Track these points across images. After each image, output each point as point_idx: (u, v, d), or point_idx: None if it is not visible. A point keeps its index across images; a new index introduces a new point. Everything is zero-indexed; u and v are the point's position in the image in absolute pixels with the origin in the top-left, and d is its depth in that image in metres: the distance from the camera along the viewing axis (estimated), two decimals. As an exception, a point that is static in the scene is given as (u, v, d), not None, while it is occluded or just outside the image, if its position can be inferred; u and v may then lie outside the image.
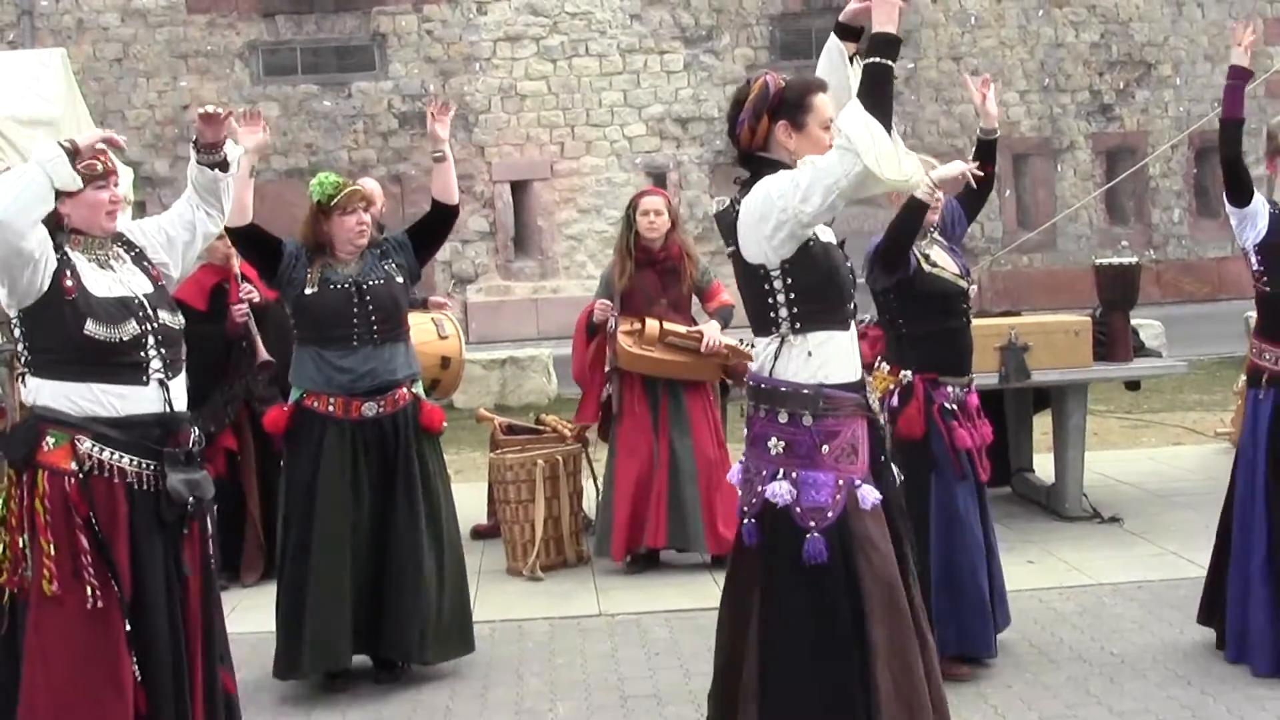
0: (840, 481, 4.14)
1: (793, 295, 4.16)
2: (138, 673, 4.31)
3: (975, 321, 8.62)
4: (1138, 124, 22.48)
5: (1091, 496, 8.55)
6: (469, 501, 8.98)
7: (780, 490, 4.14)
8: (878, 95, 3.97)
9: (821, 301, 4.18)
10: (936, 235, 6.01)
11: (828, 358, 4.18)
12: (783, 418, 4.18)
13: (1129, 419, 12.05)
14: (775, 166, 4.21)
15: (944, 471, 5.76)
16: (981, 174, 6.07)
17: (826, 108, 4.27)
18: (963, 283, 5.94)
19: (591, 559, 7.89)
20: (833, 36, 4.59)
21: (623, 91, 21.42)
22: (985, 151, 6.21)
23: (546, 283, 21.32)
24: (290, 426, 6.05)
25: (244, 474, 7.64)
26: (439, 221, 6.31)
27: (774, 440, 4.19)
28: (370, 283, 6.02)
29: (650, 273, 7.65)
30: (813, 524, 4.10)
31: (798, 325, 4.17)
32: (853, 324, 4.31)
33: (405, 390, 6.10)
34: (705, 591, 7.22)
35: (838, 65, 4.53)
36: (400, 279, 6.15)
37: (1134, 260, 8.73)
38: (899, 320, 5.85)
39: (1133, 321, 8.71)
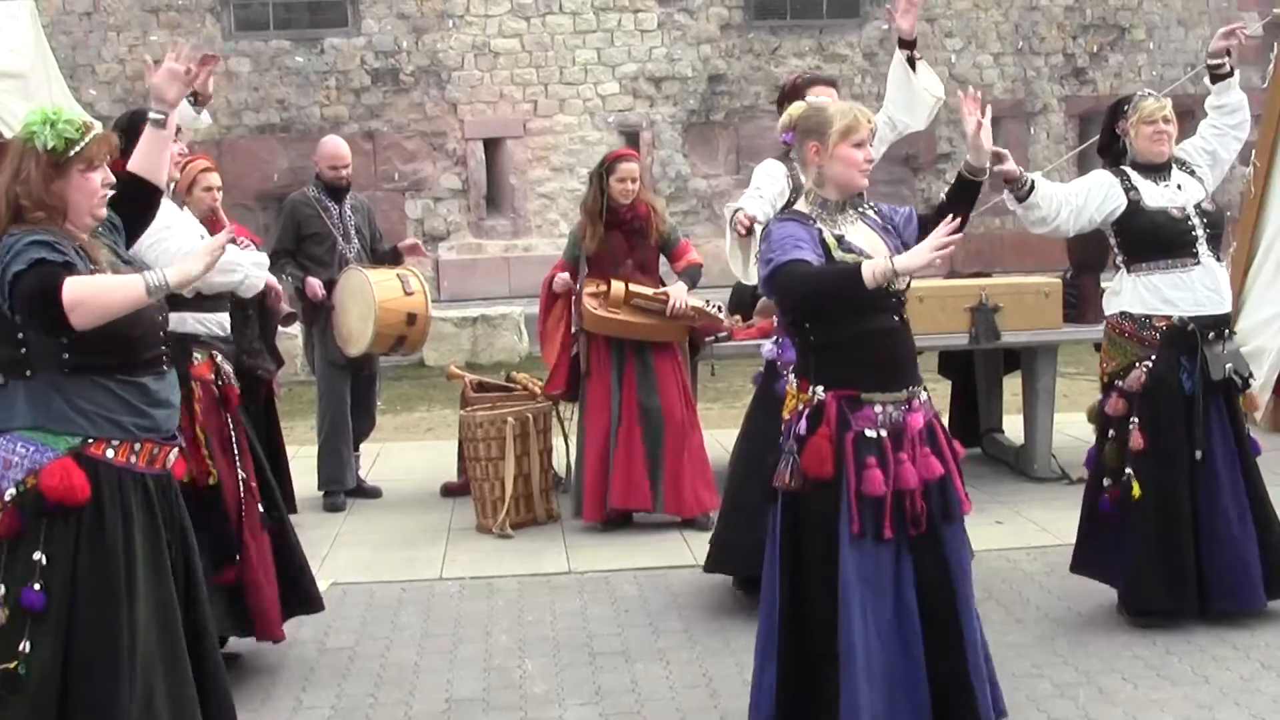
0: None
1: None
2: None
3: (945, 283, 8.71)
4: (1111, 88, 22.46)
5: (1060, 458, 8.60)
6: (440, 459, 9.00)
7: (767, 348, 6.23)
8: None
9: None
10: (869, 210, 4.57)
11: None
12: None
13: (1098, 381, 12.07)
14: None
15: (841, 524, 4.34)
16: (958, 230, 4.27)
17: (814, 96, 5.80)
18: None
19: (561, 517, 7.90)
20: (898, 51, 6.19)
21: (596, 50, 21.32)
22: (964, 194, 4.66)
23: (519, 241, 21.26)
24: None
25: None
26: (136, 203, 4.28)
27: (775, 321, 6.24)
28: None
29: (617, 233, 7.60)
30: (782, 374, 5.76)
31: None
32: None
33: None
34: (675, 550, 7.25)
35: (899, 74, 6.20)
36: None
37: (1105, 223, 8.78)
38: (805, 325, 4.47)
39: (1103, 284, 8.74)
